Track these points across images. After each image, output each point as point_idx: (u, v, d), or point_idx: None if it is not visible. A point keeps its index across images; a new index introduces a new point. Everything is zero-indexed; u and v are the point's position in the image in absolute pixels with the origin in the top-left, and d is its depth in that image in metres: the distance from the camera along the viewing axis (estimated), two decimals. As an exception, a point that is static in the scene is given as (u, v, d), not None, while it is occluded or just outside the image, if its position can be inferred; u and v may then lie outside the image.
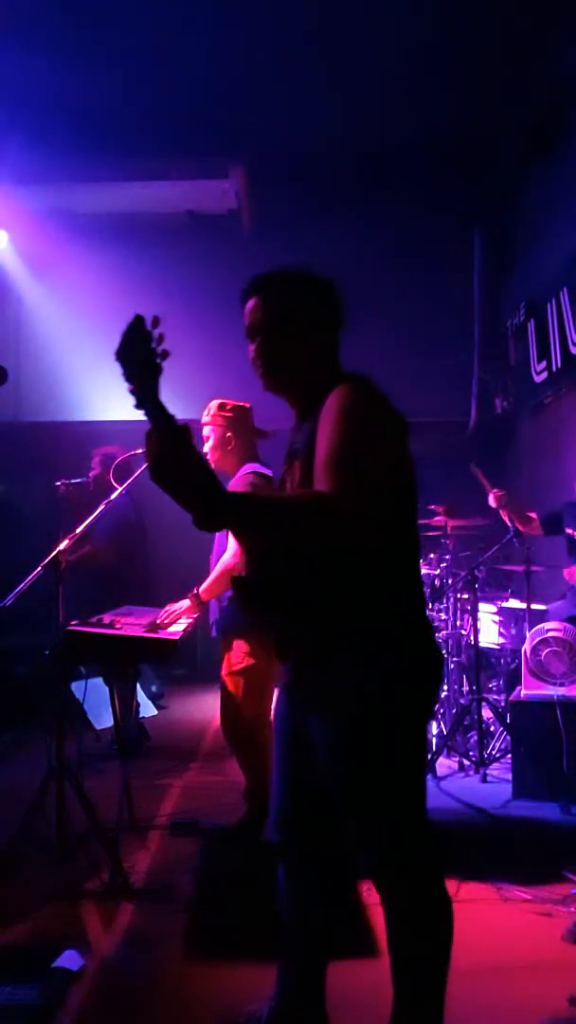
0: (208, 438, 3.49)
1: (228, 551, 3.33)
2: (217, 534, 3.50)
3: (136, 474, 3.70)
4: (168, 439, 1.56)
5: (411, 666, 1.81)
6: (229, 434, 3.45)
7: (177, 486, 1.56)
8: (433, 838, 1.87)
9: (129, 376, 1.57)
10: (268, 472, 3.34)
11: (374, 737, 1.78)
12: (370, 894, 2.95)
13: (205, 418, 3.49)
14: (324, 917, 2.05)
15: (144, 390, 1.57)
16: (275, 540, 1.72)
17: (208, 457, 3.49)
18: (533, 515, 4.68)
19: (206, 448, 3.50)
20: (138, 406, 1.58)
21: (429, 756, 4.16)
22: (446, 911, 1.84)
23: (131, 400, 1.59)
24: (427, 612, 1.91)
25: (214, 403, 3.50)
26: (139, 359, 1.56)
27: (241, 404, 3.50)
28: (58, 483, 5.17)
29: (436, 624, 4.81)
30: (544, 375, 6.12)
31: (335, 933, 2.09)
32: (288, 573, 1.77)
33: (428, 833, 1.86)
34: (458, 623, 4.76)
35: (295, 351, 1.90)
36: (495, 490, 4.65)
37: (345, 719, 1.80)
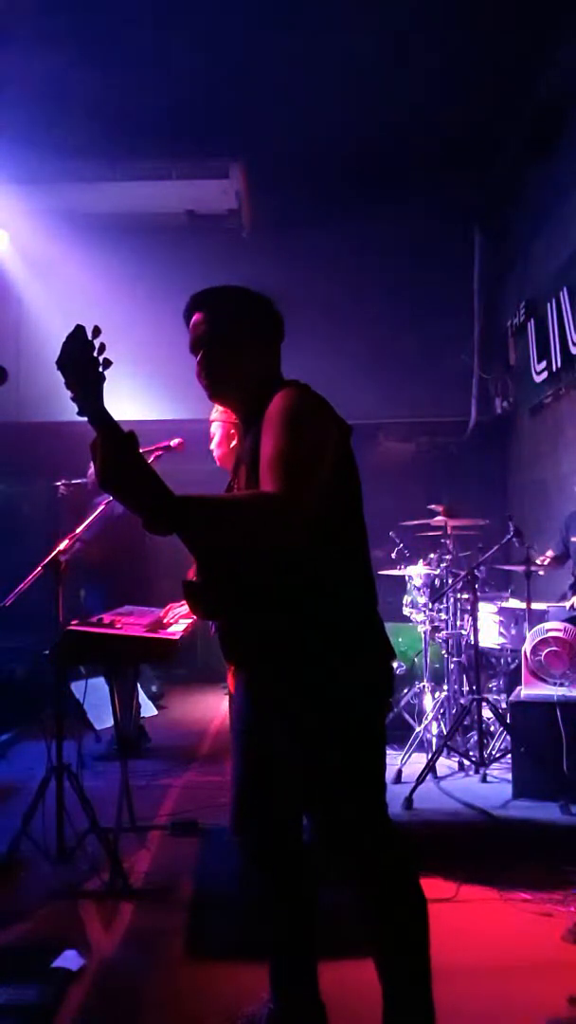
0: (213, 435, 3.47)
1: None
2: None
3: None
4: (111, 446, 1.59)
5: (361, 664, 1.83)
6: (233, 431, 3.43)
7: (124, 491, 1.60)
8: (398, 836, 1.89)
9: (70, 384, 1.61)
10: None
11: (328, 739, 1.80)
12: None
13: (212, 415, 3.48)
14: (294, 913, 2.06)
15: (86, 398, 1.61)
16: (224, 540, 1.74)
17: (214, 454, 3.48)
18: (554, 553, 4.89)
19: (212, 445, 3.48)
20: (80, 413, 1.62)
21: (429, 755, 4.16)
22: (417, 908, 1.85)
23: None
24: (377, 609, 1.92)
25: None
26: (80, 367, 1.61)
27: None
28: (58, 483, 5.17)
29: (436, 624, 4.81)
30: (544, 375, 6.12)
31: (318, 930, 2.08)
32: (234, 576, 1.80)
33: (391, 831, 1.87)
34: (458, 623, 4.75)
35: (237, 362, 1.96)
36: (547, 555, 4.85)
37: (299, 721, 1.82)
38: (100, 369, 1.62)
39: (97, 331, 1.63)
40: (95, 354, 1.62)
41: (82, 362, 1.61)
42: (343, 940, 2.23)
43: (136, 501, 1.61)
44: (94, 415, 1.61)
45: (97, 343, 1.62)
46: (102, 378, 1.62)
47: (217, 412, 3.46)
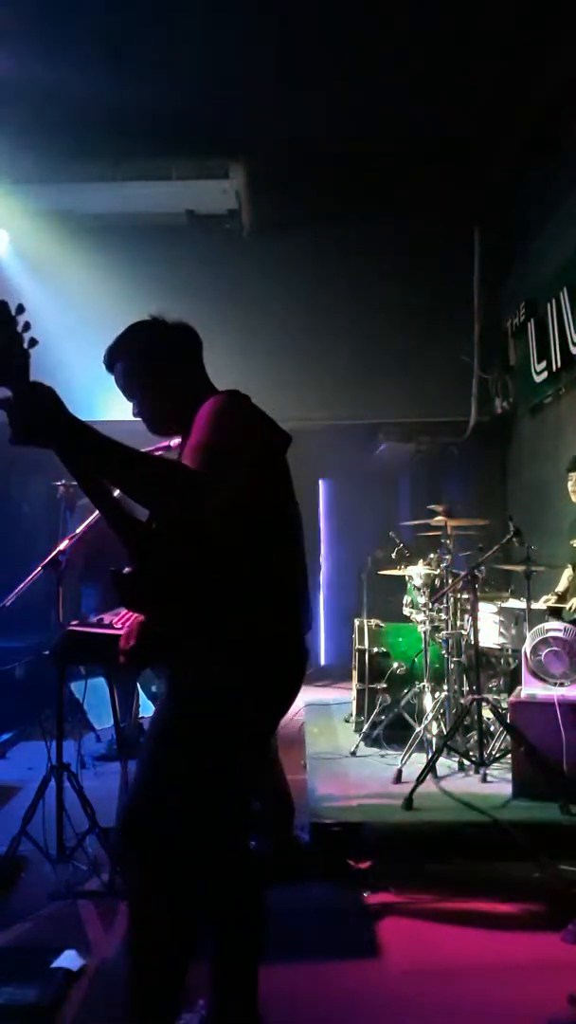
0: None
1: None
2: None
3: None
4: (27, 398, 1.60)
5: (244, 683, 1.80)
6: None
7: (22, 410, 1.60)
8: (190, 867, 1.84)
9: None
10: None
11: (178, 736, 1.80)
12: (370, 897, 2.95)
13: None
14: (229, 922, 1.97)
15: (6, 375, 1.60)
16: (113, 482, 1.79)
17: None
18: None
19: None
20: None
21: (429, 755, 4.15)
22: (162, 915, 1.81)
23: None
24: (304, 633, 1.91)
25: None
26: None
27: None
28: (58, 483, 5.17)
29: (436, 624, 4.81)
30: (544, 375, 6.12)
31: (261, 937, 2.00)
32: (161, 572, 1.81)
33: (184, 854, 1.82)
34: (458, 623, 4.75)
35: (165, 399, 2.02)
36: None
37: (164, 710, 1.86)
38: (24, 346, 1.60)
39: (20, 309, 1.61)
40: (19, 330, 1.61)
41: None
42: (342, 940, 2.23)
43: (21, 408, 1.59)
44: (17, 390, 1.60)
45: (21, 321, 1.61)
46: (27, 355, 1.61)
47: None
